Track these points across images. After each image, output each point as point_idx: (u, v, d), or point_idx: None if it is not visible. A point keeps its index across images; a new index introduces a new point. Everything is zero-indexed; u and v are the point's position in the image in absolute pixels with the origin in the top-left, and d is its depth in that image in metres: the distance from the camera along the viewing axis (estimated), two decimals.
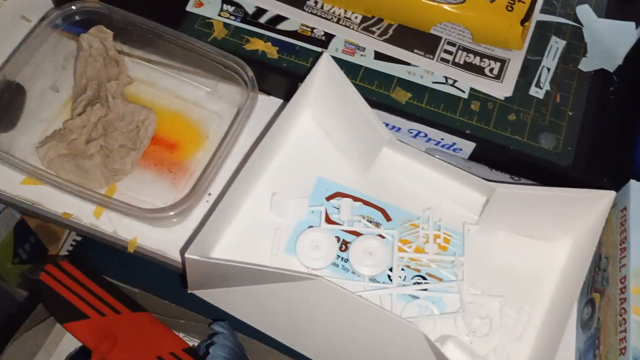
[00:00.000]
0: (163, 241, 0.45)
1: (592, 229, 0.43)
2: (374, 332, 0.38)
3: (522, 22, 0.48)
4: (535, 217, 0.44)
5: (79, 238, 0.76)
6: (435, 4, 0.48)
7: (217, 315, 0.50)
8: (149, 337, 0.45)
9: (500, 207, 0.44)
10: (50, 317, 0.48)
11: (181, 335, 0.51)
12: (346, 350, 0.41)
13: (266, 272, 0.38)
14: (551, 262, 0.46)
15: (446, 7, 0.48)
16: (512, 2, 0.48)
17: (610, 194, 0.42)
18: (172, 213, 0.42)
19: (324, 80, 0.46)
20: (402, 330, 0.37)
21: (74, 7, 0.47)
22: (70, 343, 0.51)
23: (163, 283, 0.51)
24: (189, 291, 0.43)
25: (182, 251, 0.44)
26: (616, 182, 0.45)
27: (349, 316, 0.38)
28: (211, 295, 0.43)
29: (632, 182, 0.43)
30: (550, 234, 0.46)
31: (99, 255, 0.53)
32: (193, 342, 0.52)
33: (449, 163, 0.45)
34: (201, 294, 0.43)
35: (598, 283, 0.43)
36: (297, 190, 0.47)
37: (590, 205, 0.43)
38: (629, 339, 0.37)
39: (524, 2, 0.48)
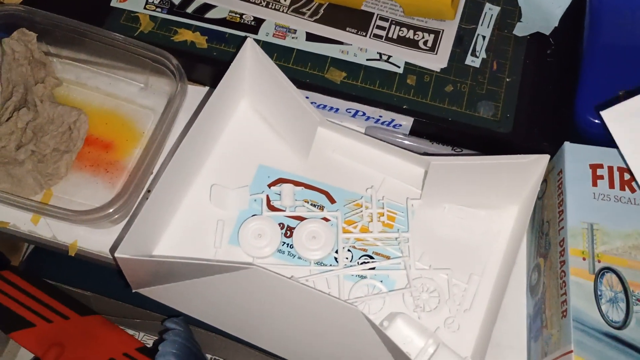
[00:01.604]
0: (103, 242, 0.44)
1: (531, 194, 0.43)
2: (315, 316, 0.38)
3: None
4: (475, 187, 0.44)
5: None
6: None
7: (171, 312, 0.49)
8: (100, 340, 0.44)
9: (440, 180, 0.44)
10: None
11: (140, 334, 0.51)
12: (292, 336, 0.41)
13: (202, 266, 0.37)
14: (497, 230, 0.46)
15: None
16: None
17: (545, 158, 0.42)
18: (108, 212, 0.42)
19: (254, 66, 0.45)
20: (342, 312, 0.36)
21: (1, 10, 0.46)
22: (27, 355, 0.51)
23: (114, 285, 0.50)
24: (132, 290, 0.43)
25: (112, 250, 0.43)
26: (555, 146, 0.45)
27: (289, 301, 0.38)
28: (155, 293, 0.42)
29: (567, 144, 0.43)
30: (493, 201, 0.46)
31: (52, 262, 0.53)
32: (152, 339, 0.51)
33: (383, 141, 0.44)
34: (145, 292, 0.43)
35: (542, 248, 0.43)
36: (238, 180, 0.46)
37: (528, 170, 0.43)
38: (569, 300, 0.37)
39: None
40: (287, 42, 0.48)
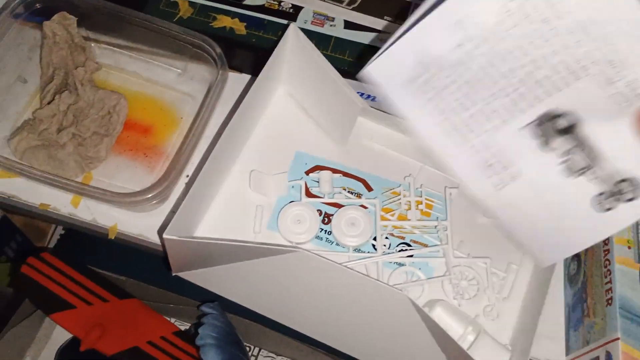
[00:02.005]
0: (143, 226, 0.45)
1: None
2: (360, 301, 0.38)
3: None
4: None
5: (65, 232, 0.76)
6: None
7: (206, 297, 0.49)
8: (138, 323, 0.45)
9: None
10: (39, 311, 0.48)
11: (172, 319, 0.51)
12: (334, 321, 0.41)
13: (247, 248, 0.37)
14: None
15: None
16: None
17: None
18: (148, 196, 0.42)
19: (294, 53, 0.45)
20: (387, 297, 0.36)
21: None
22: (61, 335, 0.51)
23: (149, 269, 0.50)
24: (172, 274, 0.43)
25: (160, 232, 0.43)
26: None
27: (333, 286, 0.38)
28: (195, 276, 0.42)
29: None
30: None
31: (85, 247, 0.53)
32: (184, 325, 0.52)
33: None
34: (185, 275, 0.43)
35: None
36: (276, 166, 0.46)
37: None
38: (615, 288, 0.37)
39: None
40: (326, 30, 0.49)
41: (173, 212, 0.44)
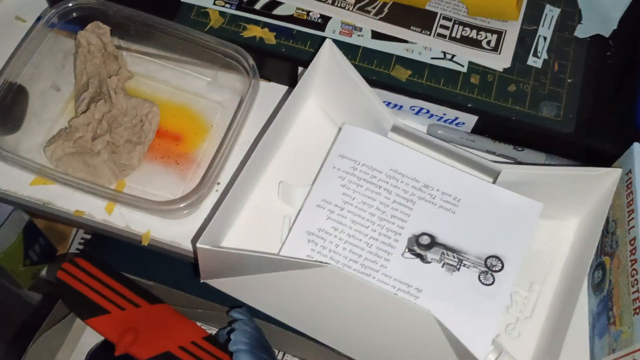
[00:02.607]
0: (176, 233, 0.45)
1: (600, 206, 0.43)
2: (385, 317, 0.39)
3: None
4: (541, 196, 0.45)
5: (87, 236, 0.77)
6: None
7: (233, 303, 0.50)
8: (169, 328, 0.45)
9: (507, 188, 0.45)
10: (69, 315, 0.49)
11: (199, 324, 0.52)
12: (360, 335, 0.42)
13: (277, 261, 0.38)
14: (559, 240, 0.46)
15: None
16: None
17: (617, 172, 0.43)
18: (182, 205, 0.43)
19: (328, 67, 0.46)
20: (412, 314, 0.37)
21: (69, 5, 0.47)
22: (89, 339, 0.52)
23: (177, 274, 0.51)
24: (201, 280, 0.43)
25: (194, 241, 0.44)
26: (619, 146, 0.45)
27: (360, 301, 0.39)
28: (224, 284, 0.43)
29: (636, 144, 0.43)
30: (558, 212, 0.46)
31: (111, 252, 0.54)
32: (211, 330, 0.52)
33: (454, 145, 0.45)
34: (214, 283, 0.43)
35: (607, 246, 0.44)
36: (304, 178, 0.47)
37: (596, 183, 0.44)
38: None
39: None
40: (354, 40, 0.49)
41: (207, 220, 0.45)
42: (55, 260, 0.72)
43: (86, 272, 0.45)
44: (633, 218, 0.41)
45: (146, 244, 0.45)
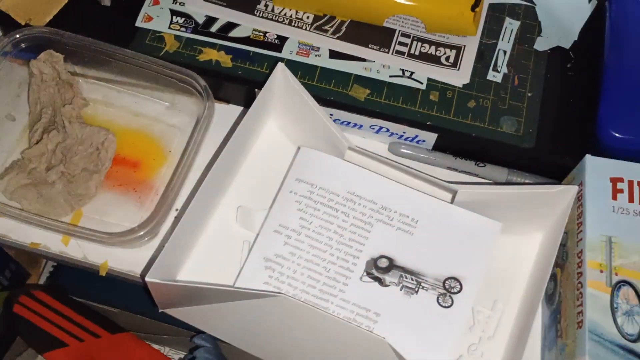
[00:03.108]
0: (134, 261, 0.45)
1: (559, 221, 0.43)
2: (341, 344, 0.39)
3: (473, 7, 0.47)
4: (501, 214, 0.44)
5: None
6: None
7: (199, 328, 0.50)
8: (131, 358, 0.45)
9: (466, 208, 0.44)
10: (27, 351, 0.48)
11: (166, 349, 0.52)
12: None
13: (231, 292, 0.38)
14: (522, 256, 0.46)
15: (400, 0, 0.47)
16: None
17: (573, 189, 0.42)
18: (139, 234, 0.42)
19: (282, 90, 0.46)
20: (368, 341, 0.37)
21: (22, 33, 0.47)
22: None
23: (142, 301, 0.51)
24: (159, 310, 0.43)
25: (143, 275, 0.44)
26: (578, 159, 0.45)
27: (316, 329, 0.38)
28: (182, 313, 0.43)
29: (588, 156, 0.43)
30: (519, 228, 0.46)
31: (77, 278, 0.53)
32: (179, 355, 0.52)
33: (410, 167, 0.45)
34: (173, 312, 0.43)
35: (559, 258, 0.44)
36: (265, 201, 0.46)
37: (555, 199, 0.43)
38: (585, 312, 0.38)
39: None
40: (311, 60, 0.49)
41: (158, 249, 0.45)
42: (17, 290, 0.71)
43: (44, 305, 0.44)
44: (581, 230, 0.41)
45: (104, 274, 0.45)
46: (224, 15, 0.50)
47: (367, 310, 0.42)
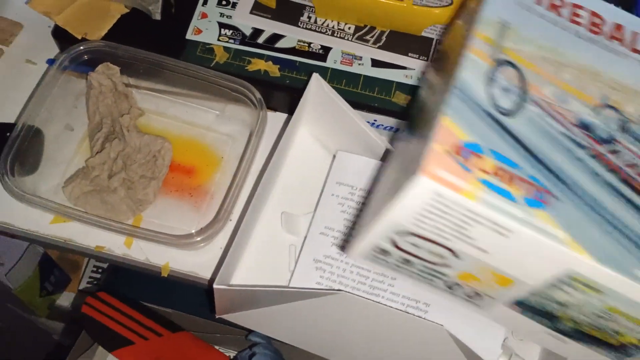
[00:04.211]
0: (194, 263, 0.47)
1: None
2: (398, 334, 0.41)
3: None
4: None
5: (100, 264, 0.78)
6: (426, 8, 0.50)
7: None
8: (192, 356, 0.47)
9: None
10: (91, 347, 0.50)
11: (218, 348, 0.54)
12: (375, 353, 0.44)
13: (290, 293, 0.40)
14: None
15: (436, 10, 0.50)
16: None
17: None
18: (199, 238, 0.45)
19: (318, 100, 0.48)
20: (425, 329, 0.39)
21: (80, 48, 0.49)
22: None
23: (194, 301, 0.53)
24: (216, 316, 0.45)
25: (210, 282, 0.46)
26: None
27: (374, 322, 0.40)
28: (239, 318, 0.45)
29: None
30: None
31: (129, 282, 0.56)
32: (230, 353, 0.54)
33: None
34: (229, 317, 0.45)
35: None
36: (306, 205, 0.49)
37: None
38: (460, 72, 0.33)
39: None
40: (354, 69, 0.51)
41: (223, 254, 0.47)
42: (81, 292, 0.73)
43: (109, 305, 0.46)
44: (479, 13, 0.36)
45: (166, 275, 0.47)
46: (270, 27, 0.53)
47: (416, 302, 0.43)
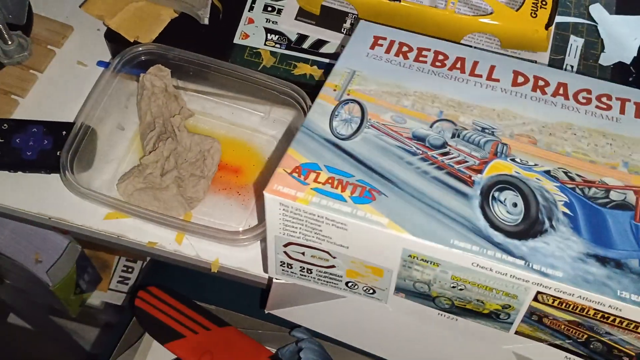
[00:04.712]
0: (242, 259, 0.48)
1: None
2: (455, 342, 0.42)
3: (547, 26, 0.52)
4: None
5: (130, 264, 0.80)
6: (470, 17, 0.52)
7: (291, 324, 0.53)
8: (239, 349, 0.48)
9: None
10: (135, 344, 0.51)
11: None
12: (426, 353, 0.45)
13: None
14: None
15: (479, 19, 0.52)
16: (535, 9, 0.52)
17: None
18: (250, 235, 0.46)
19: None
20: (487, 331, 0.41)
21: (134, 51, 0.51)
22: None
23: (236, 297, 0.54)
24: (266, 311, 0.46)
25: (270, 279, 0.47)
26: None
27: (430, 328, 0.42)
28: (288, 313, 0.46)
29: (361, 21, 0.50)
30: None
31: (169, 279, 0.57)
32: (271, 350, 0.55)
33: None
34: (279, 312, 0.46)
35: None
36: None
37: None
38: (308, 114, 0.42)
39: (545, 8, 0.52)
40: None
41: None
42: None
43: (159, 299, 0.48)
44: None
45: (215, 271, 0.48)
46: (314, 33, 0.55)
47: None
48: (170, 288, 0.51)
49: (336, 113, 0.42)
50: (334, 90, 0.44)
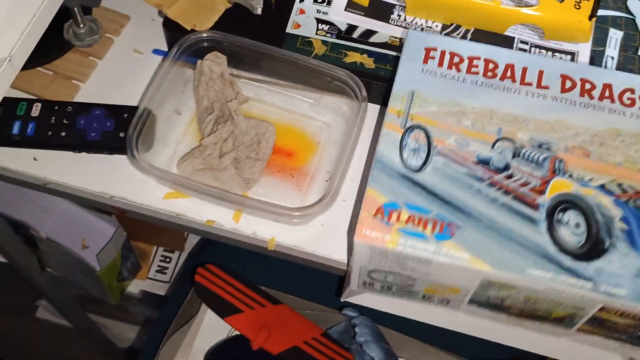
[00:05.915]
0: (298, 238, 0.50)
1: None
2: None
3: (590, 17, 0.54)
4: None
5: (167, 254, 0.81)
6: (514, 9, 0.54)
7: (339, 304, 0.55)
8: (292, 326, 0.50)
9: None
10: (186, 324, 0.53)
11: None
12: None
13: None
14: None
15: (523, 10, 0.54)
16: (578, 0, 0.54)
17: None
18: (306, 212, 0.48)
19: None
20: None
21: (192, 38, 0.53)
22: (202, 343, 0.56)
23: (285, 278, 0.56)
24: (342, 299, 0.47)
25: (349, 234, 0.49)
26: None
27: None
28: (366, 299, 0.47)
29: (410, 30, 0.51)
30: None
31: (221, 259, 0.58)
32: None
33: None
34: (355, 299, 0.47)
35: None
36: None
37: None
38: (378, 146, 0.45)
39: (588, 0, 0.54)
40: None
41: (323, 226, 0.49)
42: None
43: (217, 276, 0.49)
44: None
45: (272, 249, 0.50)
46: (363, 23, 0.57)
47: None
48: (228, 267, 0.53)
49: (404, 143, 0.44)
50: (398, 116, 0.46)
